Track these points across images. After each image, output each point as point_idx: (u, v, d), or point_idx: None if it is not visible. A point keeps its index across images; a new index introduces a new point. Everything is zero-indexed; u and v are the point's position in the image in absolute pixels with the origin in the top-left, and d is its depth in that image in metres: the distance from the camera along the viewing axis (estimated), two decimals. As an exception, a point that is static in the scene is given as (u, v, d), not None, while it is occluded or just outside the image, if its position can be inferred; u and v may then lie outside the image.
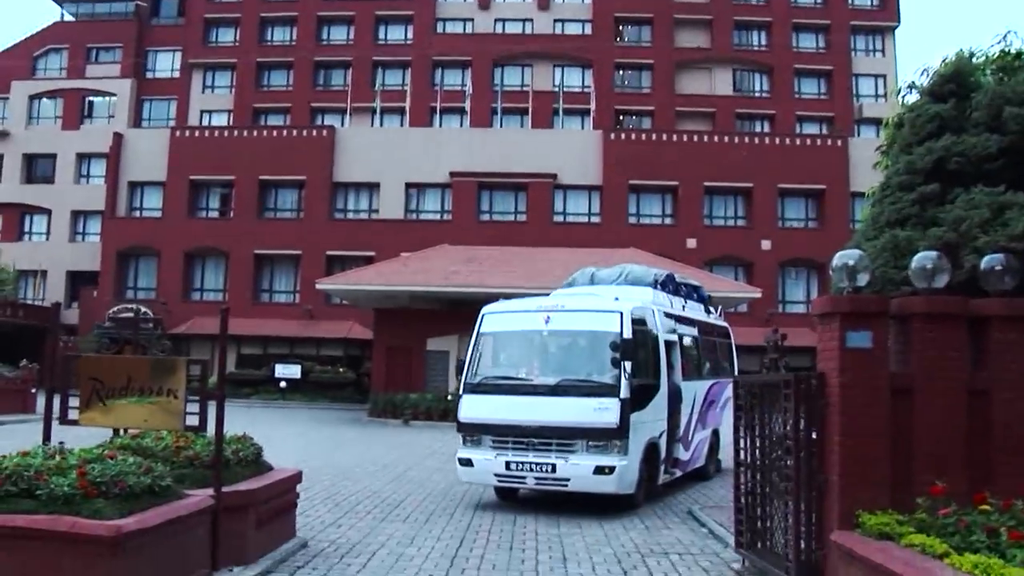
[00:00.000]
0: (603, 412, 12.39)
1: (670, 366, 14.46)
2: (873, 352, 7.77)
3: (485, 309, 14.36)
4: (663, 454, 14.06)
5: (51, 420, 8.69)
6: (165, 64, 63.55)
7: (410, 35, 61.32)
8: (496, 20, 61.72)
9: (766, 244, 48.18)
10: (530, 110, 54.93)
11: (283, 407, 40.98)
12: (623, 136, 52.26)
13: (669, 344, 14.59)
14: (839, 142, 50.61)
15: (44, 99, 61.44)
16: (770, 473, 8.83)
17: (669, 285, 16.40)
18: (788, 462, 8.24)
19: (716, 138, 51.74)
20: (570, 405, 12.64)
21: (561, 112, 54.78)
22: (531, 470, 12.71)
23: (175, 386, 8.27)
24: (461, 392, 13.75)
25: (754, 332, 36.43)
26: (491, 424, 13.17)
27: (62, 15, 66.36)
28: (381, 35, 62.17)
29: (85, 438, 8.90)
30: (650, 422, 13.42)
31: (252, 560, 8.72)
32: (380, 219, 50.83)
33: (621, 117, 59.55)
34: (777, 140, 51.88)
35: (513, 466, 12.82)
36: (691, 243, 47.62)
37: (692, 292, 17.82)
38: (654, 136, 52.00)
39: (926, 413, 7.90)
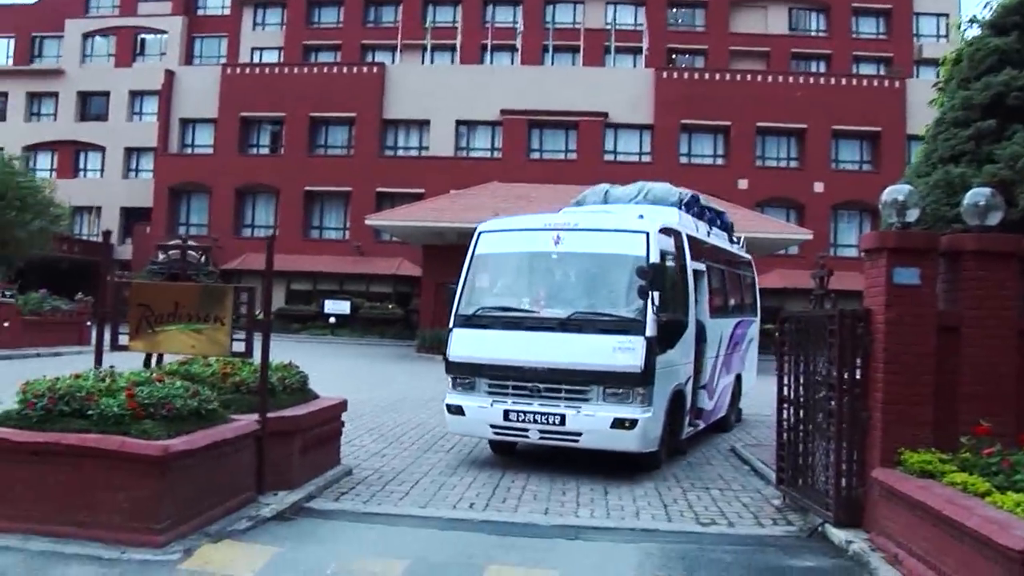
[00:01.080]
0: (625, 353, 10.32)
1: (696, 300, 12.45)
2: (921, 289, 7.67)
3: (482, 227, 12.22)
4: (688, 404, 12.16)
5: (103, 345, 8.88)
6: (216, 1, 63.35)
7: (461, -29, 60.62)
8: (548, -45, 60.78)
9: (819, 186, 47.47)
10: (582, 48, 54.27)
11: (332, 342, 41.47)
12: (675, 75, 51.47)
13: (697, 274, 12.62)
14: (896, 83, 49.41)
15: (97, 37, 61.82)
16: (813, 410, 8.80)
17: (694, 207, 14.20)
18: (831, 399, 8.20)
19: (770, 78, 50.81)
20: (584, 343, 10.54)
21: (613, 50, 54.07)
22: (535, 421, 10.63)
23: (222, 313, 8.37)
24: (451, 325, 11.54)
25: (804, 276, 36.15)
26: (487, 365, 11.04)
27: (115, -49, 66.55)
28: (432, -29, 61.57)
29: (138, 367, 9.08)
30: (677, 366, 11.43)
31: (297, 485, 8.89)
32: (430, 156, 50.84)
33: (674, 56, 58.57)
34: (833, 81, 50.68)
35: (513, 416, 10.75)
36: (742, 184, 47.03)
37: (716, 218, 15.64)
38: (707, 75, 51.24)
39: (973, 352, 7.80)
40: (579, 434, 10.46)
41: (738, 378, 15.73)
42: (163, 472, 6.77)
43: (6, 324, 27.39)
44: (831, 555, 7.50)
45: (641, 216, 11.65)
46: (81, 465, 6.78)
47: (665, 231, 11.48)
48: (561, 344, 10.63)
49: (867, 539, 7.53)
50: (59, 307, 31.17)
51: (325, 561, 6.77)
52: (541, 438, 10.74)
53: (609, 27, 54.87)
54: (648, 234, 10.97)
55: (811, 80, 51.12)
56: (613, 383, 10.38)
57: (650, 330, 10.38)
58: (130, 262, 50.83)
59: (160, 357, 9.42)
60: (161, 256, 41.91)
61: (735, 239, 16.92)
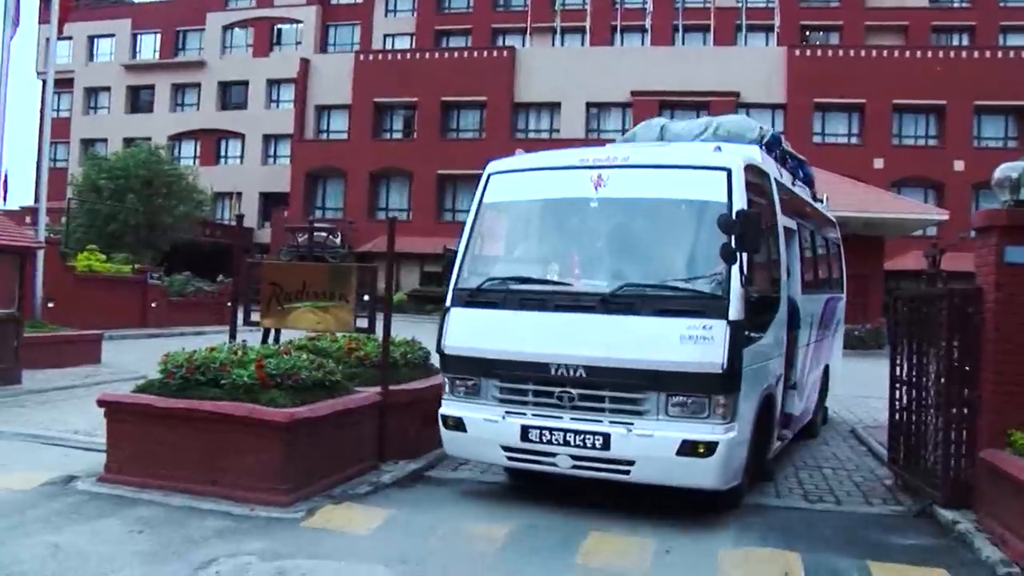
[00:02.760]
0: (699, 344, 7.12)
1: (788, 269, 9.09)
2: (1033, 268, 7.57)
3: (492, 165, 8.90)
4: (777, 411, 8.93)
5: (236, 321, 9.52)
6: (349, -11, 65.11)
7: (591, -46, 60.44)
8: (678, -66, 60.05)
9: (959, 165, 45.76)
10: (712, 27, 53.61)
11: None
12: (808, 52, 50.52)
13: (788, 233, 9.28)
14: (1048, 53, 47.26)
15: (236, 29, 64.39)
16: (924, 390, 8.77)
17: (775, 149, 10.21)
18: (942, 379, 8.17)
19: (907, 53, 49.19)
20: (638, 330, 7.33)
21: (744, 28, 53.19)
22: (565, 443, 7.43)
23: (346, 291, 8.96)
24: (447, 303, 8.30)
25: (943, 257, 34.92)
26: (498, 360, 7.79)
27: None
28: (563, -46, 61.55)
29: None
30: (768, 360, 8.27)
31: (417, 455, 9.31)
32: (561, 138, 50.96)
33: (807, 33, 57.25)
34: (976, 54, 48.71)
35: (535, 435, 7.54)
36: (878, 163, 45.79)
37: (798, 168, 11.64)
38: (840, 52, 49.98)
39: (1089, 333, 7.66)
40: (630, 463, 7.30)
41: (826, 370, 12.53)
42: (289, 438, 7.32)
43: (153, 304, 29.06)
44: (935, 535, 7.49)
45: (719, 148, 8.32)
46: (215, 430, 7.43)
47: (751, 170, 8.15)
48: (604, 331, 7.44)
49: (974, 520, 7.50)
50: (202, 288, 32.80)
51: (438, 523, 7.19)
52: (574, 467, 7.53)
53: (740, 5, 53.91)
54: (730, 171, 7.72)
55: (952, 54, 49.24)
56: (681, 388, 7.21)
57: (735, 310, 7.20)
58: (268, 245, 52.73)
59: (277, 333, 10.03)
60: (299, 239, 43.54)
61: (819, 197, 13.25)
